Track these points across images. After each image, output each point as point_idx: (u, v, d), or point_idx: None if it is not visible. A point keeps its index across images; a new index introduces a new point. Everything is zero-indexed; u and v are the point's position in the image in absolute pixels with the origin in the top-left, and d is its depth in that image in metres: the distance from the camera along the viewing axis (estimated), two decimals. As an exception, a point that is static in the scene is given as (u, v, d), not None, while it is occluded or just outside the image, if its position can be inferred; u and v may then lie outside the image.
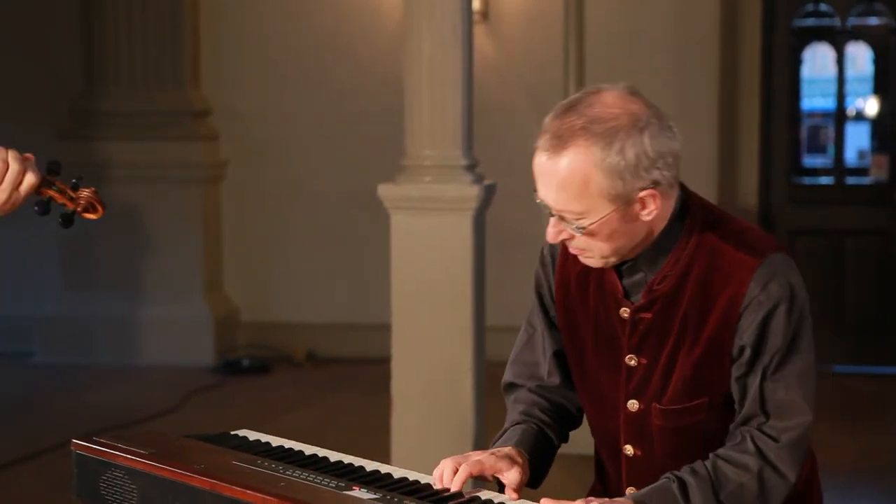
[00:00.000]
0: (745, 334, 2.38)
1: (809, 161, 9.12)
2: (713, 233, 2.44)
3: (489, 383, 4.70)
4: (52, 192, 2.62)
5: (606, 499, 2.36)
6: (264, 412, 6.99)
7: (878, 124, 8.81)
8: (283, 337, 8.41)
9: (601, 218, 2.35)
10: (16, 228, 8.47)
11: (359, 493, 2.31)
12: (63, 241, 8.26)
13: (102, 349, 8.22)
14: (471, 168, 5.43)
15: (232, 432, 2.74)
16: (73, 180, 2.65)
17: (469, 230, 5.35)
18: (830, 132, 8.76)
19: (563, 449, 2.70)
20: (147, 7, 8.22)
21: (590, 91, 2.37)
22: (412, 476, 2.46)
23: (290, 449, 2.62)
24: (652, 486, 2.40)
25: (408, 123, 5.42)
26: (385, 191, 5.47)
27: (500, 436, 2.61)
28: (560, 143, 2.32)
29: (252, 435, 2.72)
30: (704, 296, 2.41)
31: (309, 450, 2.61)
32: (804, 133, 9.05)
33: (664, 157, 2.34)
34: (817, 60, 9.42)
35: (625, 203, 2.34)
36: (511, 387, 2.72)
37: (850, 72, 8.80)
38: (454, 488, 2.39)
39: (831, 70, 8.42)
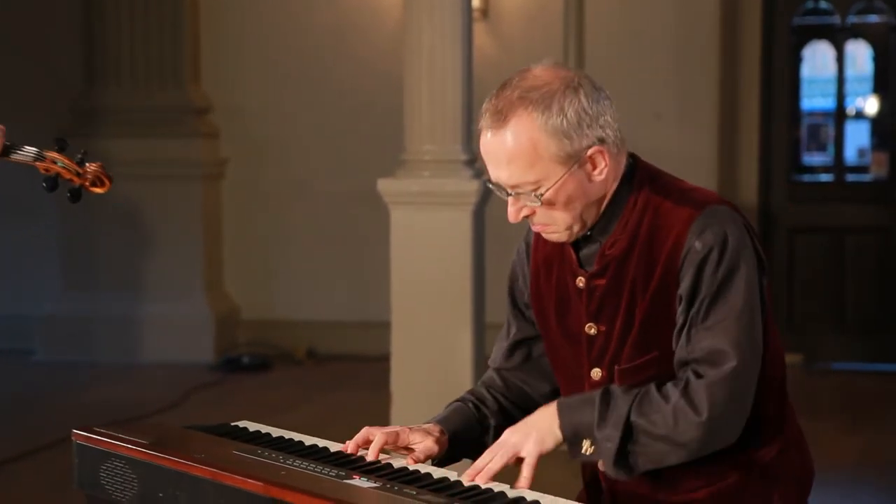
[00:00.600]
0: (683, 284, 2.41)
1: (809, 159, 9.11)
2: (658, 192, 2.48)
3: (489, 379, 4.69)
4: (58, 168, 2.63)
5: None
6: (265, 410, 6.98)
7: (877, 123, 8.80)
8: (283, 335, 8.40)
9: (556, 182, 2.40)
10: (16, 228, 8.49)
11: (359, 481, 2.31)
12: (63, 240, 8.26)
13: (103, 347, 8.21)
14: (470, 163, 5.43)
15: (232, 423, 2.74)
16: (79, 156, 2.67)
17: (469, 225, 5.35)
18: (830, 130, 8.75)
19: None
20: (147, 6, 8.22)
21: (519, 70, 2.47)
22: (412, 466, 2.46)
23: (291, 439, 2.63)
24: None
25: (407, 119, 5.42)
26: (384, 185, 5.47)
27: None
28: (501, 117, 2.40)
29: (252, 426, 2.72)
30: (650, 253, 2.45)
31: (309, 440, 2.61)
32: (804, 131, 9.04)
33: (603, 115, 2.41)
34: (817, 59, 9.41)
35: (576, 163, 2.40)
36: (488, 368, 2.81)
37: (849, 70, 8.79)
38: (371, 457, 2.47)
39: (831, 69, 8.42)
